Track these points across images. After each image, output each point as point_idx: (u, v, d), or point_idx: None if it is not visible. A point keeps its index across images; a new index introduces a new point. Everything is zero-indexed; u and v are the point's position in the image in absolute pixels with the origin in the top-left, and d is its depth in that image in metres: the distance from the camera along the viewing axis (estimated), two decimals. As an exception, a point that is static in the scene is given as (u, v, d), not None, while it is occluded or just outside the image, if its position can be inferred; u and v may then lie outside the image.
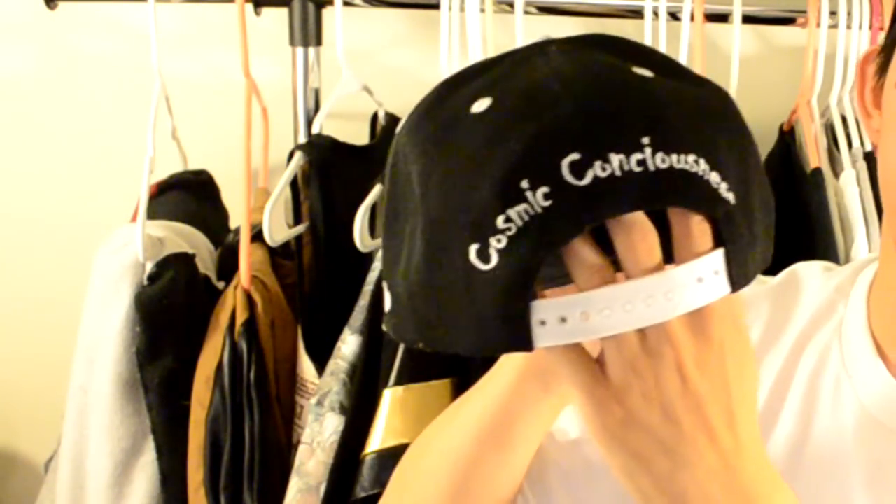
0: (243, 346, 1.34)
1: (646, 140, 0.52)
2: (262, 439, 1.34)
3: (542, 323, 0.53)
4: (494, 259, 0.52)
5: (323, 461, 1.32)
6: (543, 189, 0.51)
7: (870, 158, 1.36)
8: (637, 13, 1.41)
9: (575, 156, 0.51)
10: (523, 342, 0.53)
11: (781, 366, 0.78)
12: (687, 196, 0.53)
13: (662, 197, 0.52)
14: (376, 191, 1.28)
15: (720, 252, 0.54)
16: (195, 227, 1.50)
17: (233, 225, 1.61)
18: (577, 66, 0.54)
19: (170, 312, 1.37)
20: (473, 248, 0.52)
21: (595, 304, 0.53)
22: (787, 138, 1.44)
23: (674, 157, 0.52)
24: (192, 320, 1.39)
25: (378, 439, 1.27)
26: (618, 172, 0.51)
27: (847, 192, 1.32)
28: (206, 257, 1.47)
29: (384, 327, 0.60)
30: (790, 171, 1.41)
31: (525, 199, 0.51)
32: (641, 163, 0.51)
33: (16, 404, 1.88)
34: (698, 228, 0.53)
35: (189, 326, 1.39)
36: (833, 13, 1.37)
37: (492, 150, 0.53)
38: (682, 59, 1.38)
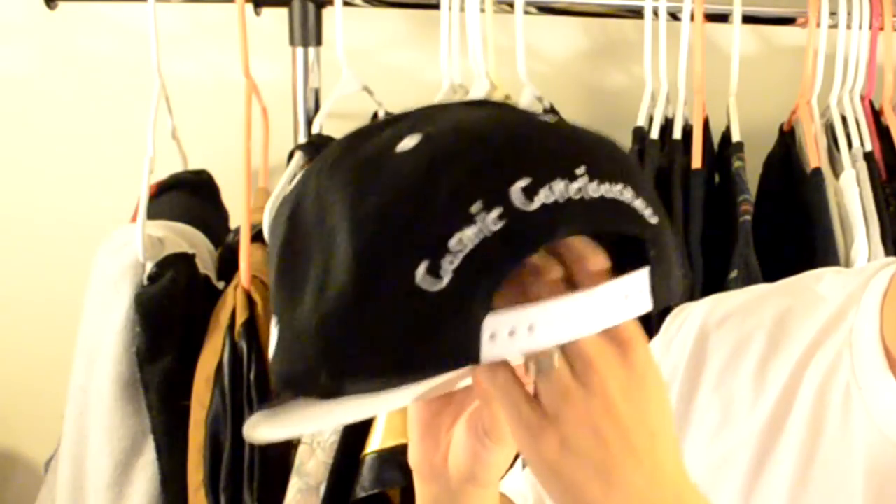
0: (243, 346, 1.34)
1: (581, 170, 0.56)
2: (262, 439, 1.33)
3: (492, 337, 0.54)
4: (446, 278, 0.53)
5: (323, 461, 1.32)
6: (495, 212, 0.54)
7: (870, 158, 1.36)
8: (637, 13, 1.41)
9: (524, 181, 0.54)
10: (470, 356, 0.54)
11: (789, 374, 0.77)
12: (621, 218, 0.57)
13: (602, 220, 0.56)
14: None
15: (646, 271, 0.58)
16: (195, 227, 1.50)
17: (233, 225, 1.61)
18: (490, 111, 0.60)
19: (170, 312, 1.37)
20: (421, 269, 0.53)
21: (542, 316, 0.55)
22: (787, 138, 1.44)
23: (605, 185, 0.56)
24: (192, 320, 1.39)
25: (378, 439, 1.27)
26: (561, 200, 0.55)
27: (847, 192, 1.32)
28: (206, 257, 1.47)
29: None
30: (790, 171, 1.41)
31: (476, 222, 0.54)
32: (580, 192, 0.55)
33: (16, 404, 1.88)
34: (595, 258, 0.57)
35: (189, 326, 1.39)
36: (833, 13, 1.37)
37: (434, 178, 0.55)
38: (682, 59, 1.38)
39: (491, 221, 0.54)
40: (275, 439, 0.60)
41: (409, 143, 0.56)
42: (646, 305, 0.58)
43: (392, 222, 0.54)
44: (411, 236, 0.54)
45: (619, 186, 0.57)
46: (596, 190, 0.56)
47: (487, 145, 0.56)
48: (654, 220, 0.58)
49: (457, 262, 0.53)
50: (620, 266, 0.58)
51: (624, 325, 0.57)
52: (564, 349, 0.56)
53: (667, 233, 0.59)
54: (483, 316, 0.54)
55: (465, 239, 0.53)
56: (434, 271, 0.53)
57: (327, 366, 0.56)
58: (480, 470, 0.66)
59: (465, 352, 0.54)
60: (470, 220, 0.54)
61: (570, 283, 0.57)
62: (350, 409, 0.60)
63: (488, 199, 0.54)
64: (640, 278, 0.58)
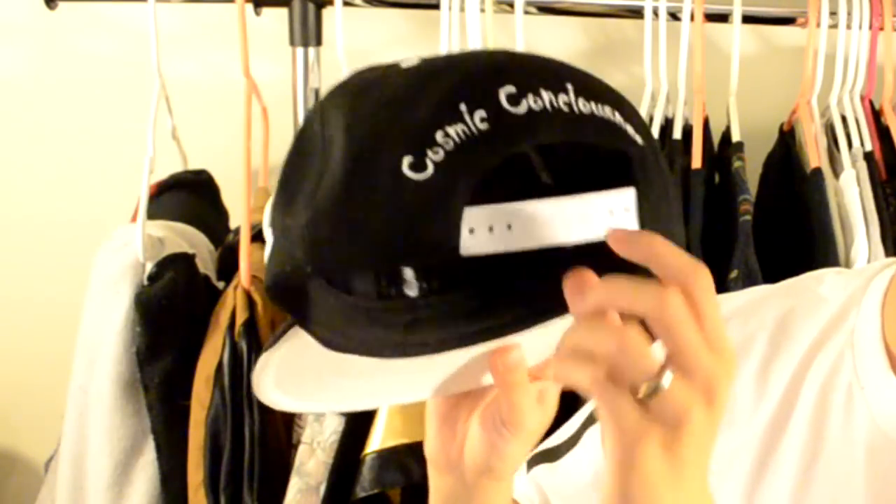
0: (243, 345, 1.34)
1: (569, 86, 0.58)
2: (262, 439, 1.34)
3: (472, 231, 0.55)
4: (430, 169, 0.55)
5: (323, 461, 1.32)
6: (481, 113, 0.56)
7: (870, 158, 1.36)
8: (637, 13, 1.41)
9: (510, 87, 0.57)
10: (450, 248, 0.55)
11: (791, 375, 0.77)
12: (607, 134, 0.58)
13: (588, 132, 0.58)
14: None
15: (632, 191, 0.58)
16: (195, 227, 1.50)
17: (233, 225, 1.61)
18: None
19: (170, 312, 1.37)
20: (407, 160, 0.55)
21: (521, 214, 0.56)
22: (787, 138, 1.45)
23: (593, 104, 0.58)
24: (192, 320, 1.39)
25: (378, 439, 1.27)
26: (549, 108, 0.57)
27: (847, 192, 1.32)
28: (206, 257, 1.47)
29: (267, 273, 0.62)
30: (790, 171, 1.41)
31: (462, 120, 0.56)
32: (567, 104, 0.57)
33: (16, 404, 1.88)
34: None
35: (189, 326, 1.39)
36: (833, 13, 1.37)
37: (425, 84, 0.57)
38: (682, 59, 1.38)
39: (477, 119, 0.56)
40: (285, 409, 0.60)
41: (407, 63, 0.59)
42: (631, 225, 0.57)
43: (382, 121, 0.57)
44: (399, 131, 0.56)
45: (608, 108, 0.58)
46: (585, 105, 0.58)
47: (479, 60, 0.59)
48: (642, 142, 0.59)
49: (440, 155, 0.55)
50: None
51: (719, 326, 0.55)
52: (676, 363, 0.54)
53: (658, 161, 0.60)
54: (461, 208, 0.55)
55: (451, 133, 0.55)
56: (419, 163, 0.55)
57: (314, 259, 0.57)
58: (497, 461, 0.65)
59: (445, 243, 0.55)
60: (457, 117, 0.56)
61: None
62: (363, 391, 0.60)
63: (476, 99, 0.56)
64: (626, 196, 0.57)
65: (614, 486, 0.56)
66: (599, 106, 0.58)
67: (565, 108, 0.57)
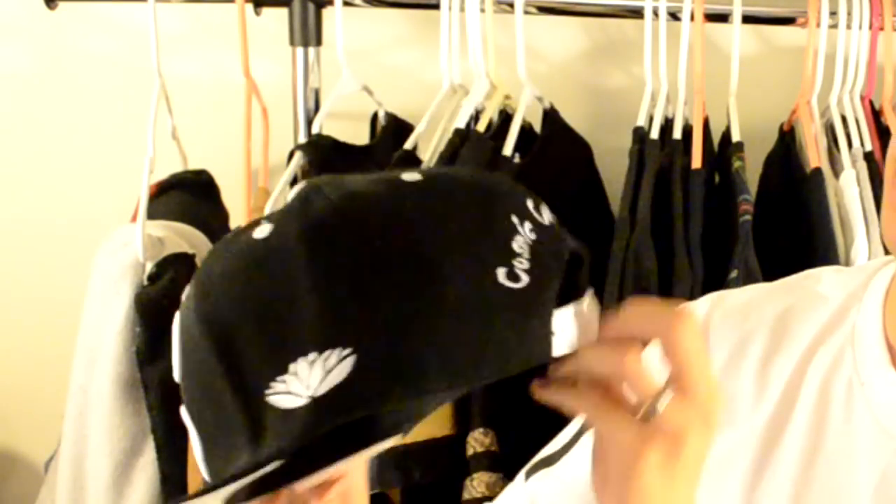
0: (243, 346, 1.34)
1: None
2: (262, 439, 1.33)
3: (554, 334, 0.56)
4: (524, 279, 0.55)
5: (323, 461, 1.32)
6: (528, 224, 0.57)
7: (870, 158, 1.36)
8: (637, 13, 1.41)
9: (529, 201, 0.59)
10: (545, 352, 0.56)
11: (792, 371, 0.78)
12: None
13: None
14: None
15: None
16: (195, 227, 1.50)
17: (233, 225, 1.61)
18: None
19: (170, 312, 1.35)
20: (502, 271, 0.55)
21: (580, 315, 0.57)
22: (787, 138, 1.45)
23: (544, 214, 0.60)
24: (192, 320, 1.39)
25: (378, 439, 1.27)
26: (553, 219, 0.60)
27: (847, 192, 1.32)
28: (206, 257, 1.47)
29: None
30: (790, 171, 1.41)
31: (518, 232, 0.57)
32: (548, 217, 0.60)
33: (16, 404, 1.88)
34: None
35: (189, 326, 1.39)
36: (833, 13, 1.37)
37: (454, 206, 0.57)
38: (682, 59, 1.38)
39: (528, 231, 0.57)
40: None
41: (410, 184, 0.58)
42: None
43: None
44: (486, 247, 0.56)
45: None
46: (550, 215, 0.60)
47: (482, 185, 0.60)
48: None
49: (525, 264, 0.55)
50: None
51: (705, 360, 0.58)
52: (679, 381, 0.57)
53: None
54: (551, 313, 0.56)
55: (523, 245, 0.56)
56: (511, 272, 0.55)
57: (393, 388, 0.55)
58: None
59: (540, 349, 0.56)
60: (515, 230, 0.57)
61: None
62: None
63: (521, 216, 0.57)
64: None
65: (610, 499, 0.58)
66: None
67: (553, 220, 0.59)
